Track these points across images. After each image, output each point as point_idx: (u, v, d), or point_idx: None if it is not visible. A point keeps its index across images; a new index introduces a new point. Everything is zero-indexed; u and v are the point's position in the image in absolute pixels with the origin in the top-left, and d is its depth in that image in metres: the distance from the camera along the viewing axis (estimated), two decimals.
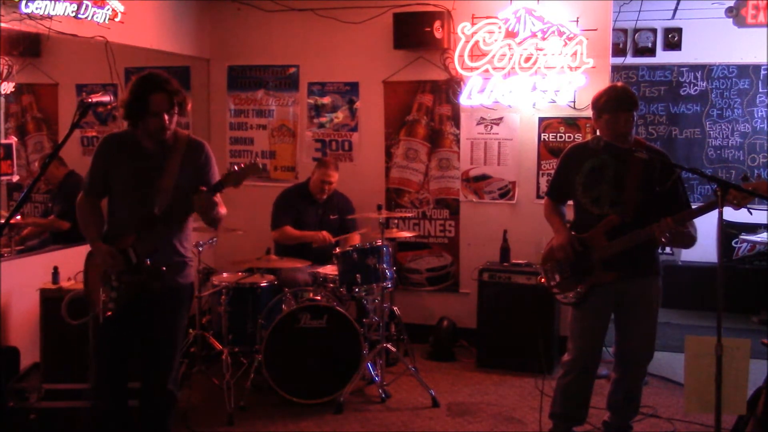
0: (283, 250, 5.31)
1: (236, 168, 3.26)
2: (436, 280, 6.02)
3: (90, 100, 2.97)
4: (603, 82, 5.33)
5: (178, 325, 3.41)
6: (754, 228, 6.69)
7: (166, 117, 3.18)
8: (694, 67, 7.33)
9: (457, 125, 5.85)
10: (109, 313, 3.21)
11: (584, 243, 3.66)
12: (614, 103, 3.57)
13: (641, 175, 3.58)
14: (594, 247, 3.64)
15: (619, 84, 3.75)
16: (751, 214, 3.18)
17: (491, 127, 5.77)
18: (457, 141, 5.86)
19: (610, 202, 3.63)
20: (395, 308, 5.34)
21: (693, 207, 3.56)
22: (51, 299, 4.07)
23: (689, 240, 3.63)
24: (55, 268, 4.25)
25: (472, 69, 5.61)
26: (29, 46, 5.73)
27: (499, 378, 5.16)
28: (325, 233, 5.33)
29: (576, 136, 5.53)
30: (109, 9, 4.84)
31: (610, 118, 3.58)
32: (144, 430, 3.43)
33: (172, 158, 3.29)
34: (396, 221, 6.01)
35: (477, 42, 5.57)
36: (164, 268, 3.26)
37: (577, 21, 5.42)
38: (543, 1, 5.47)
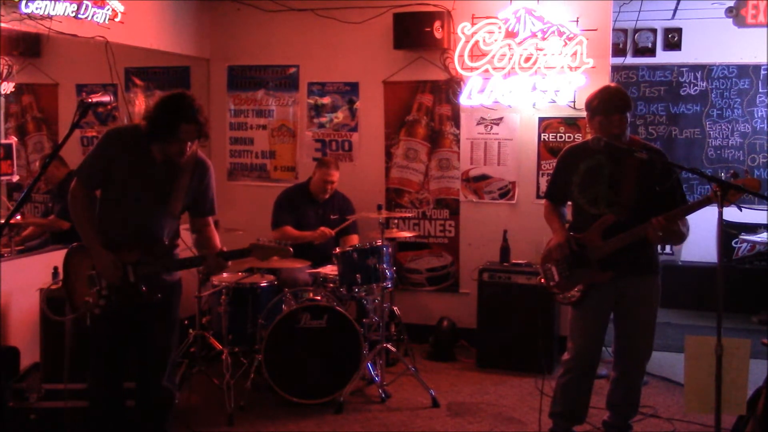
0: None
1: (265, 242, 3.26)
2: (436, 280, 6.02)
3: (90, 100, 2.97)
4: (603, 82, 5.31)
5: (169, 323, 3.40)
6: (754, 228, 6.69)
7: (189, 145, 3.17)
8: (694, 67, 7.33)
9: (457, 125, 5.85)
10: (97, 311, 3.20)
11: (581, 243, 3.67)
12: (607, 104, 3.57)
13: (638, 175, 3.59)
14: (590, 246, 3.64)
15: (613, 85, 3.75)
16: (740, 210, 3.18)
17: (491, 127, 5.77)
18: (457, 141, 5.86)
19: (606, 202, 3.64)
20: (395, 308, 5.34)
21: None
22: (48, 298, 4.06)
23: (680, 237, 3.64)
24: (55, 268, 4.25)
25: (472, 69, 5.61)
26: (29, 46, 5.74)
27: (499, 378, 5.16)
28: (324, 228, 5.32)
29: (576, 136, 5.53)
30: (109, 9, 4.84)
31: (603, 120, 3.58)
32: (141, 430, 3.43)
33: (181, 177, 3.26)
34: (396, 221, 6.01)
35: (477, 42, 5.57)
36: (159, 296, 3.25)
37: (577, 21, 5.42)
38: (543, 1, 5.47)
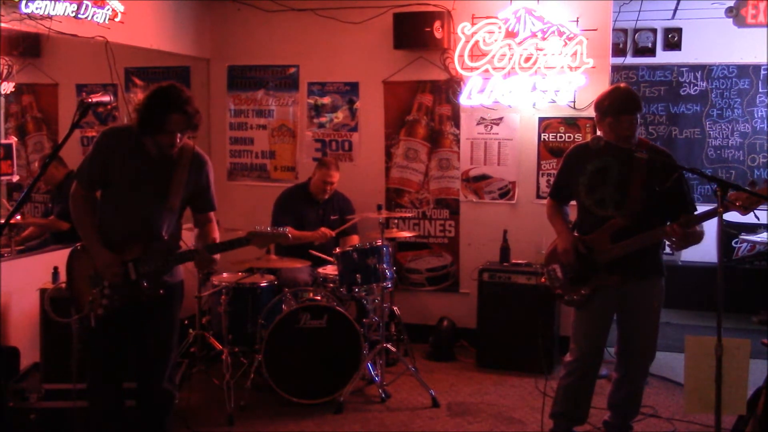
0: (284, 250, 5.31)
1: (263, 230, 3.23)
2: (436, 280, 6.02)
3: (90, 100, 2.96)
4: (603, 82, 5.33)
5: (171, 324, 3.40)
6: (754, 228, 6.69)
7: (179, 136, 3.14)
8: (694, 67, 7.33)
9: (457, 125, 5.85)
10: (100, 311, 3.21)
11: (588, 245, 3.65)
12: (617, 106, 3.54)
13: (644, 176, 3.56)
14: (598, 249, 3.63)
15: (623, 85, 3.70)
16: (759, 219, 3.17)
17: (491, 127, 5.77)
18: (457, 141, 5.86)
19: (614, 204, 3.62)
20: (395, 308, 5.34)
21: (697, 207, 3.57)
22: (51, 299, 4.06)
23: (698, 238, 3.57)
24: (55, 268, 4.25)
25: (472, 69, 5.61)
26: (29, 46, 5.74)
27: (499, 378, 5.16)
28: (324, 229, 5.32)
29: (576, 136, 5.53)
30: (109, 9, 4.84)
31: (613, 121, 3.55)
32: (141, 430, 3.42)
33: (178, 172, 3.26)
34: (396, 221, 6.01)
35: (477, 42, 5.57)
36: (162, 291, 3.25)
37: (577, 21, 5.42)
38: (543, 1, 5.47)
